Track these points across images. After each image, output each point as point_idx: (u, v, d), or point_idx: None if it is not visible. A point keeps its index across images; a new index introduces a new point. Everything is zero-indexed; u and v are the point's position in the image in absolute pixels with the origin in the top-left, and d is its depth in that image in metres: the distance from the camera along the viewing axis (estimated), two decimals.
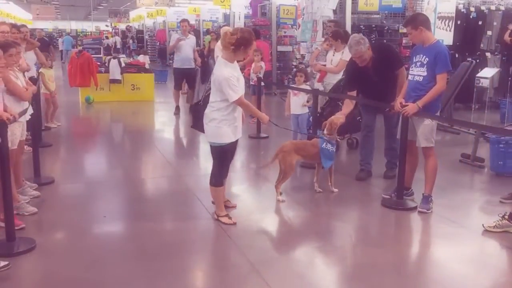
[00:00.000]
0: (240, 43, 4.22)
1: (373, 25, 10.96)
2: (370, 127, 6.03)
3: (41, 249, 3.96)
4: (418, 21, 4.80)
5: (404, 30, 6.59)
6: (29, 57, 7.28)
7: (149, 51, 22.30)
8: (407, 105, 4.78)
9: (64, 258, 3.89)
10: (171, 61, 16.99)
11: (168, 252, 4.00)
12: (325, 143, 5.30)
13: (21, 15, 33.99)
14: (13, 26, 6.62)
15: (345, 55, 7.17)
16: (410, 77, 4.94)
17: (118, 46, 28.14)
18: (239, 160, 7.14)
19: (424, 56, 4.78)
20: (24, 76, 5.33)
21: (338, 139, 7.31)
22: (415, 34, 4.80)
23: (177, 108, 10.48)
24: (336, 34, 7.22)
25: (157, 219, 4.67)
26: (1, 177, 3.87)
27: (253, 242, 4.25)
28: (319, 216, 4.97)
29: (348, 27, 9.34)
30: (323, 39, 8.37)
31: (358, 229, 4.75)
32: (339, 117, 5.42)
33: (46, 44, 11.26)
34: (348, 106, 5.77)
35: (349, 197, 5.47)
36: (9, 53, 4.61)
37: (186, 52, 10.14)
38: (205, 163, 7.29)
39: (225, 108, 4.30)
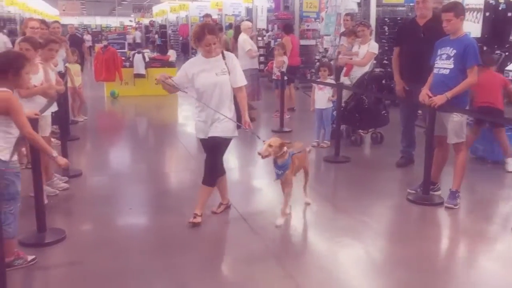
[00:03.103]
0: (193, 38, 4.32)
1: (398, 18, 10.76)
2: (410, 117, 6.01)
3: (70, 240, 4.04)
4: (460, 9, 4.70)
5: None
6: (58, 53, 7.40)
7: (172, 45, 22.43)
8: (433, 97, 4.71)
9: (92, 248, 3.97)
10: (193, 55, 17.05)
11: (191, 245, 4.04)
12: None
13: (48, 11, 34.50)
14: (42, 22, 6.74)
15: (372, 46, 7.11)
16: (435, 70, 4.84)
17: (138, 40, 28.39)
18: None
19: (451, 49, 4.69)
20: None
21: (361, 133, 7.30)
22: (455, 22, 4.66)
23: None
24: (367, 23, 7.18)
25: (180, 212, 4.71)
26: (32, 169, 3.97)
27: (277, 236, 4.26)
28: (343, 210, 4.94)
29: (373, 20, 9.24)
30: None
31: (383, 224, 4.71)
32: (277, 138, 4.35)
33: (77, 40, 11.42)
34: None
35: (374, 191, 5.42)
36: (49, 48, 4.80)
37: None
38: (227, 156, 7.33)
39: None
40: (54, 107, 5.19)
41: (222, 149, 4.41)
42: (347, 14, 8.72)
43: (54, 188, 5.13)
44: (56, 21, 8.84)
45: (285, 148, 4.25)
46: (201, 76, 4.28)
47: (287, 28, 10.59)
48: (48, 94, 4.63)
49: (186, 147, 7.40)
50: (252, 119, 4.60)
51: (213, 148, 4.37)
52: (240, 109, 4.39)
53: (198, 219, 4.34)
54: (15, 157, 3.36)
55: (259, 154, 4.16)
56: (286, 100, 9.21)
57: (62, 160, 3.57)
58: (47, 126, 4.92)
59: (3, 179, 3.28)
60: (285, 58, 9.02)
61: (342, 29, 8.97)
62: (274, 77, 9.15)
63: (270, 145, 4.15)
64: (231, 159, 7.14)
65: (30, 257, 3.58)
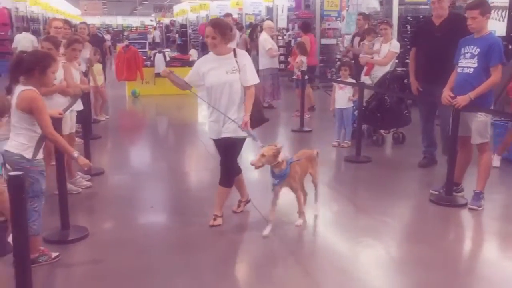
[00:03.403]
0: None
1: (421, 16, 10.63)
2: (429, 117, 5.98)
3: (92, 238, 4.10)
4: (486, 8, 4.64)
5: None
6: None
7: (192, 45, 22.48)
8: (455, 98, 4.65)
9: (114, 246, 4.01)
10: None
11: (212, 243, 4.06)
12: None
13: (70, 11, 34.98)
14: (66, 22, 6.83)
15: (393, 46, 7.04)
16: (459, 70, 4.77)
17: (158, 40, 28.61)
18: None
19: (475, 47, 4.61)
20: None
21: (383, 133, 7.23)
22: (480, 21, 4.58)
23: None
24: (389, 22, 7.13)
25: (201, 211, 4.73)
26: (56, 167, 4.03)
27: (297, 235, 4.25)
28: (364, 210, 4.90)
29: (395, 18, 9.15)
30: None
31: (404, 225, 4.66)
32: (271, 147, 4.09)
33: (99, 39, 11.52)
34: None
35: (395, 191, 5.37)
36: (72, 48, 4.88)
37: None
38: (247, 156, 7.34)
39: None
40: (79, 106, 5.27)
41: (236, 149, 4.34)
42: (359, 14, 8.68)
43: (77, 186, 5.20)
44: (83, 22, 8.97)
45: (280, 157, 4.04)
46: (210, 74, 4.20)
47: (306, 27, 10.55)
48: (66, 92, 4.69)
49: (206, 147, 7.42)
50: (264, 120, 4.53)
51: (227, 149, 4.30)
52: (254, 108, 4.26)
53: (219, 221, 4.34)
54: (40, 155, 3.41)
55: (252, 164, 3.96)
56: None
57: (83, 161, 3.58)
58: (69, 125, 5.00)
59: (27, 177, 3.33)
60: (304, 58, 9.01)
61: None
62: (294, 76, 9.12)
63: (263, 155, 3.94)
64: (250, 158, 7.16)
65: (54, 254, 3.63)
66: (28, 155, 3.30)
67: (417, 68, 5.88)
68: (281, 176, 4.12)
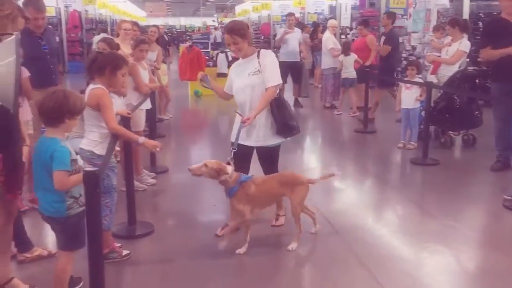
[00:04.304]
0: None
1: (494, 13, 10.12)
2: (507, 119, 5.66)
3: (158, 234, 4.19)
4: None
5: None
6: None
7: (253, 45, 22.57)
8: None
9: (177, 243, 4.07)
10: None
11: (275, 244, 4.05)
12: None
13: (136, 13, 36.19)
14: (134, 24, 7.05)
15: (463, 45, 6.74)
16: None
17: (219, 40, 28.97)
18: (345, 155, 7.05)
19: None
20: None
21: (451, 135, 6.93)
22: None
23: None
24: (454, 21, 6.81)
25: (263, 210, 4.72)
26: (125, 164, 4.16)
27: (361, 238, 4.15)
28: (431, 214, 4.71)
29: (466, 15, 8.76)
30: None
31: (476, 231, 4.44)
32: (217, 162, 3.84)
33: (164, 41, 11.86)
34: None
35: (465, 196, 5.14)
36: (140, 48, 5.09)
37: (292, 45, 10.16)
38: (308, 156, 7.30)
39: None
40: (148, 105, 5.44)
41: (273, 157, 4.19)
42: (385, 13, 8.43)
43: (143, 183, 5.35)
44: (155, 25, 9.20)
45: (225, 176, 3.69)
46: (236, 81, 4.09)
47: (367, 24, 10.28)
48: (121, 93, 4.85)
49: None
50: (291, 129, 4.12)
51: (266, 158, 4.14)
52: (282, 117, 4.02)
53: (281, 220, 4.31)
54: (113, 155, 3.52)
55: (189, 169, 3.70)
56: (356, 98, 9.06)
57: (151, 143, 3.64)
58: (141, 122, 5.19)
59: None
60: (351, 57, 9.00)
61: (432, 26, 8.62)
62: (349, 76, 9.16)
63: (205, 165, 3.68)
64: (310, 160, 7.10)
65: (124, 252, 3.72)
66: (99, 151, 3.42)
67: (497, 68, 5.62)
68: (229, 193, 3.77)
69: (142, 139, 3.65)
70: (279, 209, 4.33)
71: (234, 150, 3.85)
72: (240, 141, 3.97)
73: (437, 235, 4.20)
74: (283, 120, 4.03)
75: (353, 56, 9.15)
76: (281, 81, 4.02)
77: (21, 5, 4.62)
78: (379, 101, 8.74)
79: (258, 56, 4.01)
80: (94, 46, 14.25)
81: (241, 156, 3.99)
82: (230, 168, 3.74)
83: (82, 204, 2.73)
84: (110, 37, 5.89)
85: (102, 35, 15.01)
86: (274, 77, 3.95)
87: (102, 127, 3.46)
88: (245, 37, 3.95)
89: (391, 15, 8.73)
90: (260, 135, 4.04)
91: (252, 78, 3.96)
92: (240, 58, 4.10)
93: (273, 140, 4.09)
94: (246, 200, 3.75)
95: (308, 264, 3.91)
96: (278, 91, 4.04)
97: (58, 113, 2.71)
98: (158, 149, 3.71)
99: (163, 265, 3.74)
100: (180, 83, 12.93)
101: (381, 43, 8.60)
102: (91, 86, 3.49)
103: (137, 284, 3.46)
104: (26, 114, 4.01)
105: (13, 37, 2.22)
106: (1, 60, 2.09)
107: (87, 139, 3.47)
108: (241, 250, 3.78)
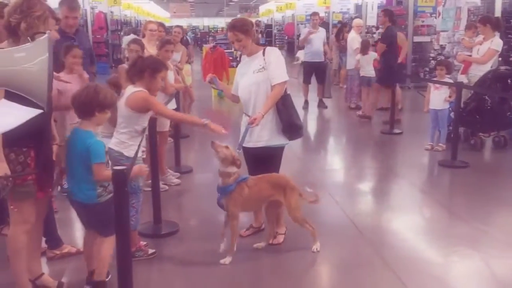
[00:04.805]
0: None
1: None
2: None
3: (182, 233, 4.20)
4: None
5: None
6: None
7: (277, 45, 22.63)
8: None
9: (201, 243, 4.06)
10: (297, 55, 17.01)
11: (299, 245, 3.98)
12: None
13: (160, 13, 36.49)
14: (160, 24, 7.09)
15: (495, 43, 6.57)
16: None
17: None
18: (370, 156, 6.97)
19: None
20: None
21: (482, 137, 6.77)
22: None
23: (306, 102, 10.46)
24: (486, 19, 6.65)
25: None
26: (150, 165, 4.17)
27: (386, 240, 4.09)
28: (460, 217, 4.61)
29: (498, 13, 8.54)
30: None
31: (506, 234, 4.28)
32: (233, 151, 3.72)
33: (186, 41, 11.89)
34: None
35: (496, 199, 5.00)
36: (165, 49, 5.17)
37: (316, 46, 10.08)
38: (332, 157, 7.23)
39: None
40: (173, 105, 5.46)
41: (275, 160, 3.97)
42: (382, 10, 8.25)
43: (167, 183, 5.37)
44: (178, 26, 9.26)
45: (233, 169, 3.61)
46: (241, 79, 3.96)
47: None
48: (167, 89, 4.90)
49: (291, 148, 7.38)
50: (296, 130, 3.95)
51: (266, 160, 3.89)
52: (289, 116, 3.85)
53: (279, 239, 4.03)
54: (139, 153, 3.53)
55: (212, 142, 3.60)
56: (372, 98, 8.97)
57: (215, 126, 3.49)
58: (166, 122, 5.20)
59: None
60: (368, 56, 8.93)
61: (463, 25, 8.43)
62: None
63: (227, 147, 3.61)
64: (335, 161, 7.04)
65: (150, 251, 3.75)
66: (128, 153, 3.42)
67: None
68: (223, 191, 3.64)
69: (206, 121, 3.53)
70: (279, 226, 4.04)
71: (239, 151, 3.75)
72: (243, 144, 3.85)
73: (466, 238, 4.11)
74: (290, 119, 3.86)
75: (372, 55, 8.99)
76: (287, 78, 3.86)
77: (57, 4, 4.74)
78: (377, 100, 8.71)
79: (263, 53, 3.88)
80: (123, 46, 14.45)
81: (250, 157, 3.94)
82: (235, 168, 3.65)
83: (110, 191, 2.87)
84: (139, 38, 5.91)
85: (132, 36, 15.20)
86: (279, 73, 3.80)
87: (135, 130, 3.46)
88: (248, 33, 3.82)
89: (388, 12, 8.56)
90: (263, 134, 3.86)
91: (257, 75, 3.81)
92: (246, 56, 3.98)
93: (277, 140, 3.90)
94: (240, 202, 3.66)
95: (333, 266, 3.86)
96: (285, 89, 3.90)
97: (88, 106, 2.89)
98: (223, 131, 3.51)
99: (188, 264, 3.74)
100: (203, 84, 12.93)
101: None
102: (131, 88, 3.49)
103: (163, 282, 3.47)
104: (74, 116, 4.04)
105: (46, 35, 2.24)
106: (34, 58, 2.10)
107: (117, 140, 3.48)
108: (226, 260, 3.63)
